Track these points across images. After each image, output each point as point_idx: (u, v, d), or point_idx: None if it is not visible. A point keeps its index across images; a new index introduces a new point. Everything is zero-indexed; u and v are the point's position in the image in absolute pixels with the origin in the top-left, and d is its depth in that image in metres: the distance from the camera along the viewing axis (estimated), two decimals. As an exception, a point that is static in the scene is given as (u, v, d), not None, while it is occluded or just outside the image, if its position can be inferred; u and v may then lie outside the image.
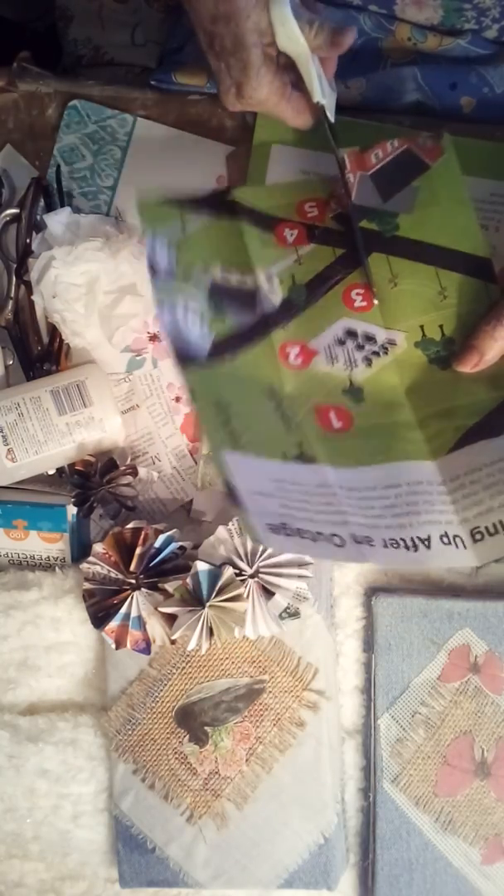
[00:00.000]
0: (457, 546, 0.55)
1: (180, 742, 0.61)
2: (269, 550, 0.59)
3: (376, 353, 0.60)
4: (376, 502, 0.56)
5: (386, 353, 0.60)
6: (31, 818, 0.62)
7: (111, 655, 0.62)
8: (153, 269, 0.58)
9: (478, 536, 0.55)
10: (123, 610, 0.59)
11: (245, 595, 0.58)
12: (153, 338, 0.67)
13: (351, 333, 0.61)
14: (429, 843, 0.60)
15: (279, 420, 0.58)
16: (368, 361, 0.60)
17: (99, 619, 0.59)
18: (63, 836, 0.63)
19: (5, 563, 0.65)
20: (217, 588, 0.57)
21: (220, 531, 0.59)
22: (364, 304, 0.61)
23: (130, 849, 0.62)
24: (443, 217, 0.61)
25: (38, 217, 0.66)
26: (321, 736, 0.60)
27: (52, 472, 0.65)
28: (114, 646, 0.59)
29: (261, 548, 0.59)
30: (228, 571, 0.58)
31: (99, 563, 0.60)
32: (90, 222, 0.65)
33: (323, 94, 0.58)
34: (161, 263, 0.58)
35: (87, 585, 0.60)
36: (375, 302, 0.61)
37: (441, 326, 0.60)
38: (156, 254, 0.58)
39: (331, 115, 0.59)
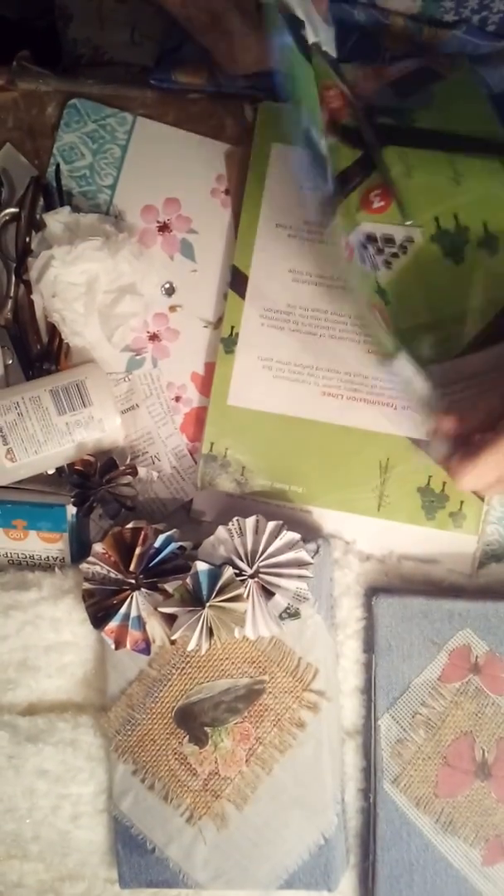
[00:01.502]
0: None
1: (180, 742, 0.61)
2: (270, 550, 0.59)
3: (395, 255, 0.61)
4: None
5: (405, 252, 0.60)
6: (31, 818, 0.62)
7: (111, 656, 0.62)
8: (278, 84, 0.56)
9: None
10: (123, 610, 0.59)
11: (245, 595, 0.58)
12: (153, 337, 0.67)
13: (371, 238, 0.61)
14: (429, 843, 0.60)
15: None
16: (388, 264, 0.60)
17: (98, 619, 0.59)
18: (62, 837, 0.63)
19: (5, 564, 0.65)
20: (217, 588, 0.57)
21: (220, 531, 0.59)
22: (382, 203, 0.60)
23: (130, 849, 0.62)
24: (459, 108, 0.61)
25: (38, 216, 0.66)
26: (321, 737, 0.60)
27: (51, 471, 0.65)
28: (113, 646, 0.59)
29: (261, 548, 0.59)
30: (228, 571, 0.58)
31: (98, 563, 0.60)
32: (90, 221, 0.65)
33: (316, 33, 0.57)
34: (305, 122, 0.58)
35: (86, 585, 0.60)
36: (392, 201, 0.60)
37: (455, 215, 0.59)
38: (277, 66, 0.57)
39: (331, 51, 0.59)
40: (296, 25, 0.58)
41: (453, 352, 0.59)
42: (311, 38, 0.57)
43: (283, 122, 0.58)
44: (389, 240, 0.61)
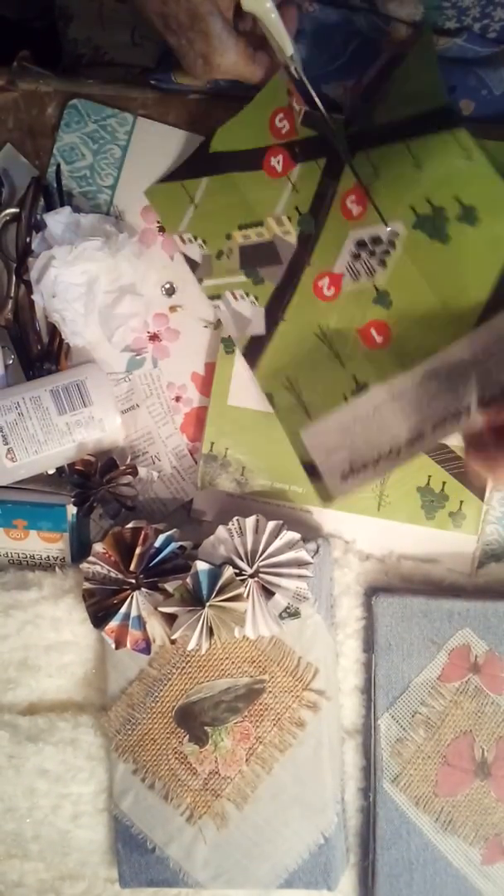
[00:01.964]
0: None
1: (180, 742, 0.61)
2: (270, 550, 0.59)
3: (387, 252, 0.61)
4: (423, 396, 0.60)
5: (394, 248, 0.61)
6: (31, 818, 0.62)
7: (111, 655, 0.62)
8: (192, 264, 0.65)
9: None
10: (123, 610, 0.59)
11: (245, 595, 0.58)
12: (153, 337, 0.67)
13: (361, 244, 0.62)
14: (429, 843, 0.60)
15: (334, 360, 0.62)
16: (383, 263, 0.61)
17: (99, 618, 0.59)
18: (63, 836, 0.63)
19: (5, 563, 0.65)
20: (217, 588, 0.57)
21: (220, 531, 0.59)
22: (360, 208, 0.61)
23: (130, 849, 0.62)
24: (411, 86, 0.61)
25: (38, 216, 0.66)
26: (321, 736, 0.60)
27: (51, 471, 0.65)
28: (114, 646, 0.59)
29: (261, 547, 0.59)
30: (228, 571, 0.58)
31: (99, 563, 0.60)
32: (90, 222, 0.65)
33: (293, 47, 0.58)
34: (195, 255, 0.64)
35: (86, 585, 0.60)
36: (368, 202, 0.61)
37: (428, 199, 0.59)
38: (188, 250, 0.64)
39: (300, 68, 0.59)
40: (200, 158, 0.65)
41: (467, 327, 0.59)
42: (289, 52, 0.58)
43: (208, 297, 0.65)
44: (377, 240, 0.61)
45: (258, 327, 0.64)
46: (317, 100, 0.61)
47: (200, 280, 0.65)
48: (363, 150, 0.61)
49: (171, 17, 0.56)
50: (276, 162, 0.64)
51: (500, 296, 0.58)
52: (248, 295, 0.64)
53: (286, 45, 0.58)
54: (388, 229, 0.61)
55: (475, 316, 0.59)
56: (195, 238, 0.65)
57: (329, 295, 0.63)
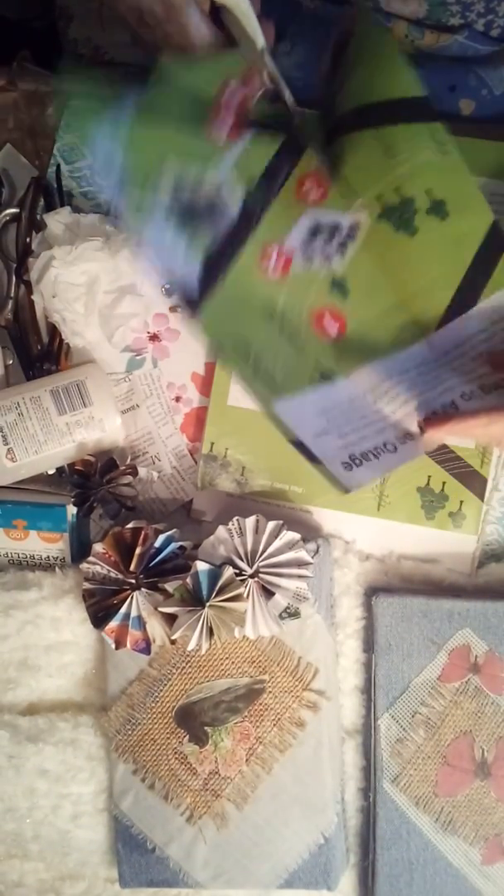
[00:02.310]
0: (478, 398, 0.58)
1: (180, 742, 0.61)
2: (270, 550, 0.59)
3: (344, 243, 0.59)
4: (399, 389, 0.60)
5: (353, 239, 0.59)
6: (31, 818, 0.62)
7: (111, 655, 0.62)
8: (105, 183, 0.56)
9: (486, 390, 0.58)
10: (123, 610, 0.59)
11: (245, 595, 0.58)
12: (153, 337, 0.67)
13: (317, 228, 0.59)
14: (429, 843, 0.60)
15: (287, 344, 0.60)
16: (342, 250, 0.59)
17: (99, 618, 0.59)
18: (63, 836, 0.63)
19: (5, 563, 0.65)
20: (217, 588, 0.57)
21: (220, 531, 0.59)
22: (319, 193, 0.59)
23: (130, 849, 0.62)
24: (367, 70, 0.59)
25: (38, 216, 0.66)
26: (321, 736, 0.60)
27: (51, 471, 0.65)
28: (114, 646, 0.59)
29: (261, 547, 0.59)
30: (228, 571, 0.58)
31: (99, 563, 0.60)
32: (90, 222, 0.65)
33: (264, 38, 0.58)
34: (118, 172, 0.55)
35: (86, 585, 0.60)
36: (329, 188, 0.59)
37: (397, 189, 0.57)
38: (103, 167, 0.55)
39: (269, 61, 0.58)
40: (137, 85, 0.56)
41: (428, 328, 0.59)
42: (260, 44, 0.57)
43: (128, 226, 0.56)
44: (336, 227, 0.59)
45: (192, 280, 0.58)
46: (286, 92, 0.59)
47: (116, 211, 0.58)
48: (328, 138, 0.59)
49: (147, 11, 0.55)
50: (223, 127, 0.58)
51: (464, 297, 0.58)
52: (180, 236, 0.57)
53: (257, 36, 0.58)
54: (350, 219, 0.58)
55: (436, 318, 0.58)
56: (118, 147, 0.56)
57: (276, 272, 0.59)
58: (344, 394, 0.60)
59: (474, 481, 0.63)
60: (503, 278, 0.57)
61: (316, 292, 0.60)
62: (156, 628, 0.59)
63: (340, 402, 0.60)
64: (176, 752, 0.61)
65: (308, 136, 0.60)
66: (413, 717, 0.61)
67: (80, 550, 0.64)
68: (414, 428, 0.60)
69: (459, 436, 0.58)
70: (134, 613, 0.59)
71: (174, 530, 0.60)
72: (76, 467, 0.63)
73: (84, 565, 0.60)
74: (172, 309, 0.67)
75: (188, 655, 0.61)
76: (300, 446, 0.59)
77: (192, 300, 0.59)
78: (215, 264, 0.59)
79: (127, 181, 0.56)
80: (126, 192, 0.56)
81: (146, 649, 0.59)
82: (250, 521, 0.59)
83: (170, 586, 0.58)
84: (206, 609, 0.57)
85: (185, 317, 0.61)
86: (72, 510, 0.63)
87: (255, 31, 0.58)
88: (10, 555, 0.64)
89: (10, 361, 0.66)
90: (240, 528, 0.59)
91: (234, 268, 0.59)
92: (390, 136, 0.57)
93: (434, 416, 0.59)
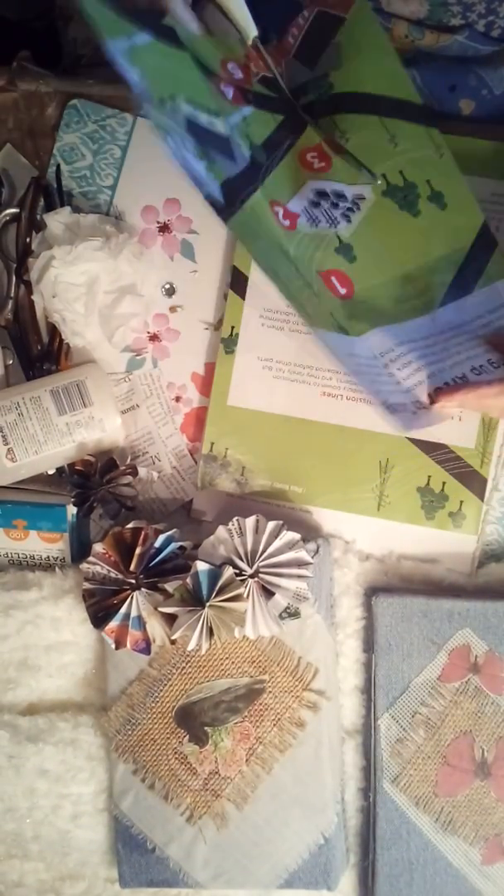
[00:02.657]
0: (488, 372, 0.58)
1: (180, 742, 0.61)
2: (270, 550, 0.59)
3: (351, 210, 0.61)
4: (410, 356, 0.60)
5: (359, 209, 0.61)
6: (31, 818, 0.62)
7: (111, 655, 0.62)
8: (131, 87, 0.51)
9: (494, 365, 0.59)
10: (123, 610, 0.59)
11: (245, 595, 0.58)
12: (153, 337, 0.67)
13: (321, 194, 0.61)
14: (429, 843, 0.60)
15: (307, 287, 0.60)
16: (347, 217, 0.61)
17: (99, 619, 0.59)
18: (63, 836, 0.63)
19: (5, 563, 0.65)
20: (217, 588, 0.57)
21: (220, 531, 0.59)
22: (322, 164, 0.60)
23: (130, 849, 0.62)
24: (370, 64, 0.60)
25: (38, 216, 0.66)
26: (321, 736, 0.60)
27: (51, 471, 0.65)
28: (114, 646, 0.59)
29: (261, 548, 0.59)
30: (228, 571, 0.58)
31: (99, 563, 0.60)
32: (90, 222, 0.65)
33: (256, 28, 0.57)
34: (134, 78, 0.52)
35: (86, 585, 0.60)
36: (333, 158, 0.60)
37: (401, 172, 0.60)
38: (125, 66, 0.51)
39: (263, 51, 0.58)
40: (152, 19, 0.54)
41: (431, 304, 0.60)
42: (252, 33, 0.56)
43: (152, 124, 0.53)
44: (341, 195, 0.61)
45: (213, 191, 0.55)
46: (282, 83, 0.59)
47: (140, 104, 0.56)
48: (326, 115, 0.60)
49: (129, 4, 0.55)
50: (227, 91, 0.59)
51: (462, 283, 0.60)
52: (199, 159, 0.55)
53: (249, 26, 0.57)
54: (354, 191, 0.60)
55: (440, 295, 0.61)
56: (133, 64, 0.52)
57: (284, 224, 0.60)
58: (358, 350, 0.60)
59: (474, 481, 0.63)
60: (495, 272, 0.60)
61: (323, 251, 0.61)
62: (156, 628, 0.59)
63: (361, 356, 0.60)
64: (176, 752, 0.61)
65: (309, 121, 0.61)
66: (413, 717, 0.61)
67: (80, 550, 0.64)
68: (424, 398, 0.60)
69: (471, 407, 0.58)
70: (134, 613, 0.59)
71: (174, 530, 0.60)
72: (76, 467, 0.63)
73: (84, 565, 0.60)
74: (172, 309, 0.67)
75: (188, 655, 0.61)
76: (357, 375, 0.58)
77: (219, 210, 0.56)
78: (234, 191, 0.58)
79: (147, 95, 0.53)
80: (146, 102, 0.53)
81: (146, 649, 0.59)
82: (250, 521, 0.59)
83: (170, 586, 0.58)
84: (206, 609, 0.57)
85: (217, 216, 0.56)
86: (72, 510, 0.63)
87: (246, 20, 0.57)
88: (10, 555, 0.64)
89: (10, 361, 0.66)
90: (240, 528, 0.59)
91: (249, 203, 0.59)
92: (395, 127, 0.59)
93: (446, 387, 0.59)
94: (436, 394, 0.59)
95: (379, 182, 0.60)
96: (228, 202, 0.57)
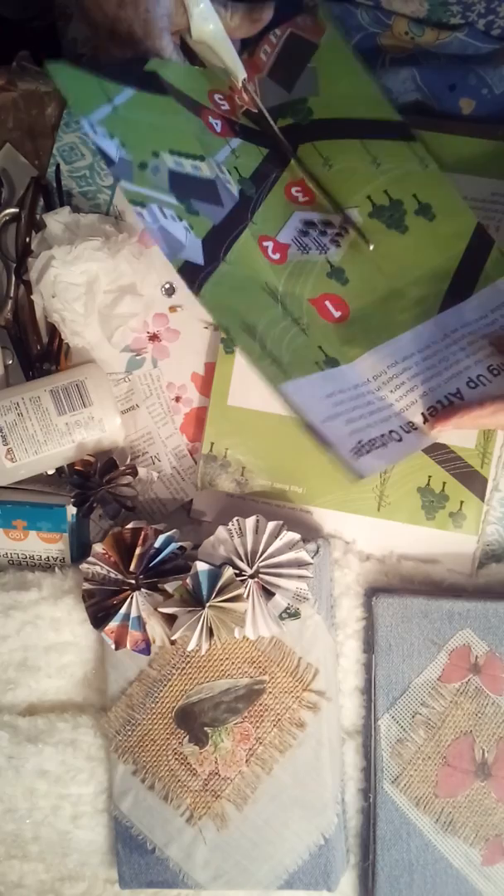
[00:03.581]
0: (483, 385, 0.58)
1: (180, 743, 0.61)
2: (270, 550, 0.59)
3: (339, 234, 0.62)
4: (403, 377, 0.60)
5: (347, 233, 0.62)
6: (31, 819, 0.62)
7: (111, 656, 0.62)
8: (107, 161, 0.54)
9: (494, 371, 0.59)
10: (123, 610, 0.59)
11: (245, 595, 0.58)
12: (153, 337, 0.67)
13: (309, 223, 0.62)
14: (429, 843, 0.60)
15: (293, 325, 0.60)
16: (336, 242, 0.62)
17: (98, 619, 0.59)
18: (63, 837, 0.63)
19: (5, 564, 0.65)
20: (217, 588, 0.57)
21: (220, 531, 0.59)
22: (307, 198, 0.62)
23: (130, 849, 0.62)
24: (347, 90, 0.62)
25: (38, 216, 0.66)
26: (321, 737, 0.60)
27: (51, 472, 0.65)
28: (113, 646, 0.59)
29: (261, 548, 0.59)
30: (228, 572, 0.58)
31: (98, 564, 0.60)
32: (90, 222, 0.65)
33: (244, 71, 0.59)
34: (111, 151, 0.54)
35: (86, 586, 0.60)
36: (316, 193, 0.62)
37: (386, 191, 0.61)
38: (102, 142, 0.54)
39: (252, 90, 0.60)
40: (135, 70, 0.56)
41: (430, 312, 0.60)
42: (242, 76, 0.58)
43: (128, 199, 0.55)
44: (328, 223, 0.62)
45: (195, 256, 0.57)
46: (272, 123, 0.61)
47: (117, 178, 0.57)
48: (308, 141, 0.61)
49: (124, 24, 0.54)
50: (216, 123, 0.61)
51: (461, 286, 0.60)
52: (180, 219, 0.57)
53: (238, 69, 0.58)
54: (342, 218, 0.61)
55: (437, 303, 0.60)
56: (112, 135, 0.55)
57: (275, 258, 0.61)
58: (349, 379, 0.60)
59: (475, 481, 0.63)
60: (494, 271, 0.60)
61: (315, 278, 0.62)
62: (155, 629, 0.59)
63: (346, 388, 0.60)
64: (176, 753, 0.61)
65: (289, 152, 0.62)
66: (413, 717, 0.61)
67: (80, 551, 0.64)
68: (418, 420, 0.59)
69: (468, 428, 0.58)
70: (134, 614, 0.59)
71: (174, 531, 0.60)
72: (76, 467, 0.63)
73: (84, 566, 0.60)
74: (172, 309, 0.67)
75: (188, 656, 0.61)
76: (311, 429, 0.58)
77: (195, 278, 0.58)
78: (218, 242, 0.59)
79: (126, 163, 0.56)
80: (126, 173, 0.56)
81: (146, 650, 0.59)
82: (250, 522, 0.59)
83: (170, 587, 0.58)
84: (205, 609, 0.57)
85: (190, 292, 0.58)
86: (71, 510, 0.63)
87: (236, 64, 0.58)
88: (9, 555, 0.64)
89: (10, 361, 0.66)
90: (240, 529, 0.59)
91: (236, 247, 0.60)
92: (377, 148, 0.61)
93: (440, 411, 0.59)
94: (431, 417, 0.59)
95: (357, 220, 0.61)
96: (209, 259, 0.58)
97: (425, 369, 0.60)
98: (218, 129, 0.61)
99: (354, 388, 0.60)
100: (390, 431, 0.59)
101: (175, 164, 0.58)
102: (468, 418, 0.56)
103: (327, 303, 0.62)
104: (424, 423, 0.59)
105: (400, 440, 0.59)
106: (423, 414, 0.59)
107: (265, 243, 0.61)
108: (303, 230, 0.62)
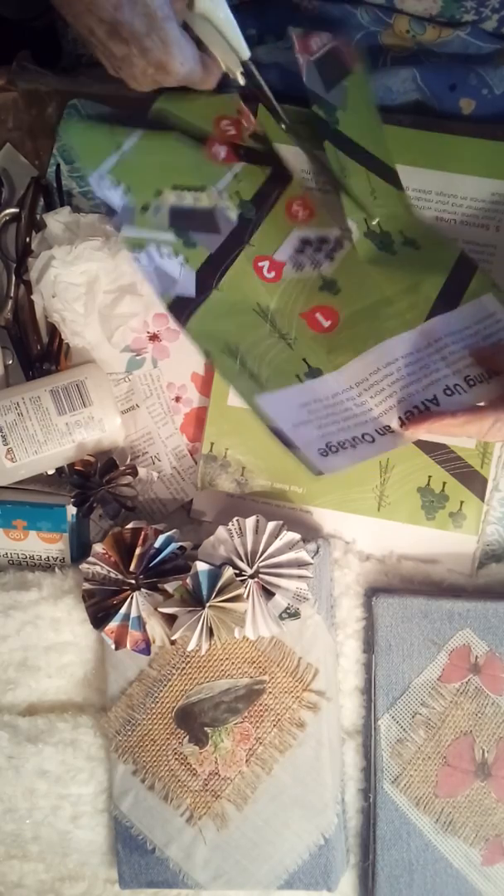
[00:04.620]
0: (459, 394, 0.60)
1: (180, 743, 0.61)
2: (270, 550, 0.59)
3: (334, 250, 0.65)
4: (384, 383, 0.61)
5: (342, 247, 0.64)
6: (31, 819, 0.62)
7: (111, 656, 0.62)
8: (110, 211, 0.62)
9: (471, 382, 0.60)
10: (123, 610, 0.59)
11: (245, 595, 0.58)
12: (153, 337, 0.67)
13: (306, 242, 0.65)
14: (429, 843, 0.60)
15: (280, 340, 0.63)
16: (330, 257, 0.64)
17: (98, 619, 0.59)
18: (63, 837, 0.63)
19: (5, 564, 0.65)
20: (217, 588, 0.57)
21: (220, 531, 0.59)
22: (306, 212, 0.65)
23: (130, 849, 0.62)
24: (365, 123, 0.64)
25: (38, 216, 0.66)
26: (321, 737, 0.60)
27: (51, 472, 0.65)
28: (113, 646, 0.59)
29: (261, 548, 0.59)
30: (228, 572, 0.58)
31: (98, 564, 0.60)
32: (90, 221, 0.65)
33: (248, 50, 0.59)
34: (115, 201, 0.62)
35: (86, 586, 0.60)
36: (317, 211, 0.65)
37: (378, 222, 0.64)
38: (107, 193, 0.62)
39: (255, 70, 0.60)
40: (141, 113, 0.63)
41: (417, 320, 0.62)
42: (245, 55, 0.59)
43: (127, 244, 0.62)
44: (324, 240, 0.64)
45: (187, 289, 0.63)
46: (276, 104, 0.62)
47: (118, 228, 0.63)
48: (334, 145, 0.63)
49: (124, 24, 0.53)
50: (220, 151, 0.65)
51: (446, 300, 0.62)
52: (176, 255, 0.63)
53: (241, 47, 0.58)
54: (337, 233, 0.64)
55: (426, 311, 0.62)
56: (118, 183, 0.62)
57: (269, 278, 0.64)
58: (329, 388, 0.62)
59: (475, 482, 0.63)
60: (479, 288, 0.62)
61: (308, 292, 0.64)
62: (155, 629, 0.59)
63: (324, 397, 0.62)
64: (176, 753, 0.61)
65: (293, 130, 0.65)
66: (413, 717, 0.61)
67: (80, 551, 0.64)
68: (394, 423, 0.61)
69: (439, 433, 0.59)
70: (134, 614, 0.59)
71: (174, 531, 0.60)
72: (76, 467, 0.63)
73: (84, 566, 0.60)
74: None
75: (188, 656, 0.61)
76: (277, 433, 0.61)
77: (183, 311, 0.63)
78: (212, 270, 0.63)
79: (129, 209, 0.63)
80: (128, 219, 0.63)
81: (146, 650, 0.59)
82: (250, 522, 0.59)
83: (170, 587, 0.58)
84: (205, 609, 0.57)
85: (171, 314, 0.64)
86: (71, 510, 0.63)
87: (238, 42, 0.57)
88: (9, 555, 0.64)
89: (10, 361, 0.66)
90: (240, 529, 0.59)
91: (230, 273, 0.63)
92: (375, 183, 0.64)
93: (415, 415, 0.60)
94: (407, 419, 0.60)
95: (355, 234, 0.64)
96: (201, 288, 0.63)
97: (406, 375, 0.61)
98: (222, 155, 0.65)
99: (333, 396, 0.62)
100: (363, 434, 0.61)
101: (176, 198, 0.63)
102: (439, 425, 0.58)
103: (318, 315, 0.64)
104: (401, 426, 0.60)
105: (373, 441, 0.60)
106: (400, 418, 0.61)
107: (260, 263, 0.64)
108: (299, 248, 0.64)
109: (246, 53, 0.58)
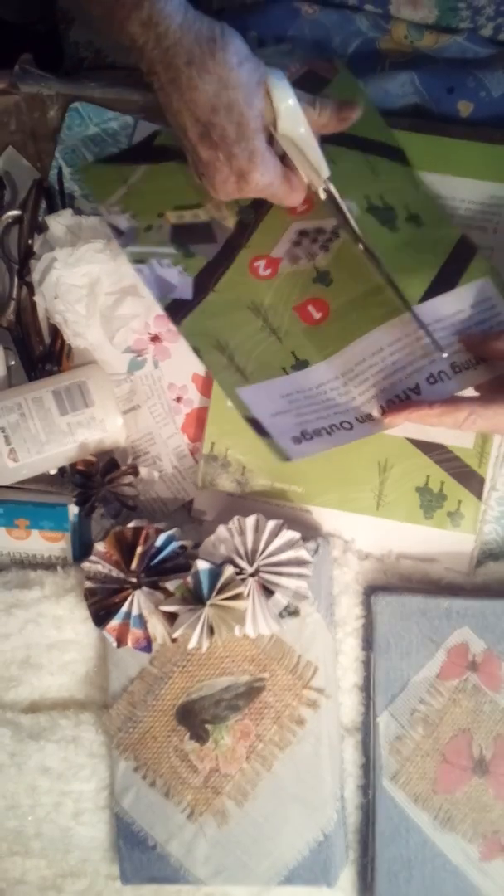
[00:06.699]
0: (443, 381, 0.60)
1: (181, 740, 0.61)
2: (270, 549, 0.59)
3: (329, 240, 0.65)
4: (369, 373, 0.62)
5: (338, 237, 0.65)
6: (33, 815, 0.63)
7: (112, 654, 0.62)
8: (117, 233, 0.65)
9: (456, 369, 0.61)
10: (124, 608, 0.59)
11: (245, 594, 0.58)
12: (154, 339, 0.67)
13: (303, 233, 0.65)
14: (427, 840, 0.61)
15: (270, 335, 0.64)
16: (326, 248, 0.65)
17: (100, 617, 0.60)
18: (64, 834, 0.63)
19: (7, 562, 0.65)
20: (217, 587, 0.58)
21: (221, 530, 0.60)
22: (304, 206, 0.65)
23: (131, 846, 0.62)
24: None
25: (40, 218, 0.66)
26: (321, 733, 0.61)
27: (53, 471, 0.65)
28: (115, 644, 0.60)
29: (261, 546, 0.59)
30: (229, 570, 0.58)
31: (100, 562, 0.60)
32: (92, 224, 0.65)
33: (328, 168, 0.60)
34: (121, 225, 0.65)
35: (88, 584, 0.60)
36: (316, 202, 0.65)
37: (381, 196, 0.65)
38: (114, 219, 0.66)
39: (334, 189, 0.62)
40: (145, 145, 0.68)
41: (413, 300, 0.62)
42: (325, 174, 0.61)
43: (130, 259, 0.65)
44: (320, 230, 0.65)
45: (184, 293, 0.65)
46: (354, 224, 0.63)
47: (124, 246, 0.65)
48: (326, 142, 0.63)
49: (217, 128, 0.55)
50: None
51: (442, 282, 0.62)
52: (176, 265, 0.65)
53: (322, 166, 0.60)
54: (333, 223, 0.65)
55: (419, 293, 0.62)
56: (125, 210, 0.66)
57: (265, 275, 0.65)
58: (314, 379, 0.63)
59: (472, 481, 0.64)
60: (477, 271, 0.62)
61: (302, 285, 0.65)
62: (157, 627, 0.59)
63: (307, 388, 0.63)
64: (177, 750, 0.62)
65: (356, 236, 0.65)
66: (412, 714, 0.61)
67: (82, 550, 0.65)
68: (375, 412, 0.61)
69: (416, 423, 0.59)
70: (135, 612, 0.59)
71: (175, 529, 0.61)
72: (78, 467, 0.63)
73: (85, 564, 0.60)
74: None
75: (189, 654, 0.61)
76: (253, 422, 0.62)
77: (179, 313, 0.64)
78: (209, 274, 0.65)
79: (133, 230, 0.66)
80: (133, 239, 0.66)
81: (147, 648, 0.60)
82: (250, 521, 0.59)
83: (171, 585, 0.59)
84: (206, 608, 0.57)
85: (167, 315, 0.65)
86: (73, 510, 0.63)
87: (320, 162, 0.59)
88: (12, 554, 0.65)
89: (13, 362, 0.67)
90: (240, 528, 0.59)
91: (226, 275, 0.65)
92: (376, 162, 0.64)
93: (395, 404, 0.60)
94: (387, 407, 0.61)
95: (354, 212, 0.64)
96: (198, 291, 0.65)
97: (391, 363, 0.62)
98: None
99: (318, 387, 0.63)
100: (342, 422, 0.61)
101: (177, 218, 0.66)
102: (417, 415, 0.58)
103: (310, 307, 0.64)
104: (382, 414, 0.61)
105: (350, 428, 0.61)
106: (381, 406, 0.61)
107: (256, 263, 0.65)
108: (296, 241, 0.65)
109: (326, 172, 0.60)
